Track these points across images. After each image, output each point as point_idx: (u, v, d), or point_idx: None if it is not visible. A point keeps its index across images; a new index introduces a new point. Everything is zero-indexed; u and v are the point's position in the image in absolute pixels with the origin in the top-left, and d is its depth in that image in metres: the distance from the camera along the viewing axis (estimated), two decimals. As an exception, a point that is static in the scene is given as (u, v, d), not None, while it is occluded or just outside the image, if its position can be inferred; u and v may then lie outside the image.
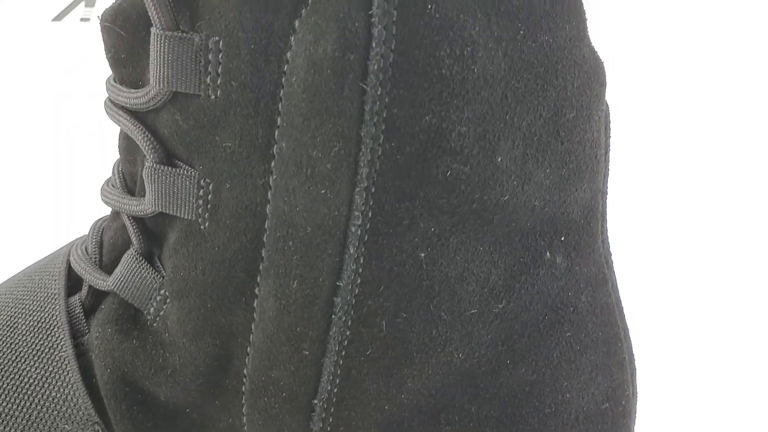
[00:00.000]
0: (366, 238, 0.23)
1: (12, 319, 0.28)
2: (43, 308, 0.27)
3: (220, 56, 0.22)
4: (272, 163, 0.22)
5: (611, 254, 0.29)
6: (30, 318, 0.27)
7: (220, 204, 0.23)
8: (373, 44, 0.21)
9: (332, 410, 0.25)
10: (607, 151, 0.27)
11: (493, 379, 0.26)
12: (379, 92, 0.21)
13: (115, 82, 0.26)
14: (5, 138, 0.62)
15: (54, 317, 0.27)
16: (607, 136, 0.27)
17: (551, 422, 0.26)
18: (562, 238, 0.25)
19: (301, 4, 0.21)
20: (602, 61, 0.25)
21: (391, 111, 0.21)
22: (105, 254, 0.28)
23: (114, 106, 0.26)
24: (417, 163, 0.22)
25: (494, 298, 0.24)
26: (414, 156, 0.22)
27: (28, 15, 0.64)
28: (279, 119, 0.22)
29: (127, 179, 0.27)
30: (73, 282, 0.28)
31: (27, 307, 0.28)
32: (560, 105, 0.23)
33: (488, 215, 0.23)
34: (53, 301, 0.27)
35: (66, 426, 0.26)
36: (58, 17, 0.64)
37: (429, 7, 0.21)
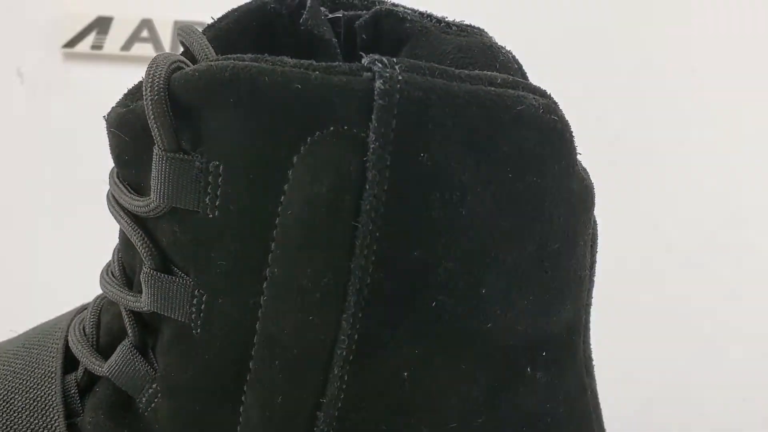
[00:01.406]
0: (351, 358, 0.23)
1: (9, 394, 0.29)
2: (39, 386, 0.28)
3: (219, 180, 0.23)
4: (264, 284, 0.23)
5: (592, 360, 0.30)
6: (26, 395, 0.28)
7: (212, 316, 0.24)
8: (367, 186, 0.21)
9: None
10: (592, 266, 0.28)
11: None
12: (370, 228, 0.22)
13: (118, 178, 0.27)
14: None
15: (50, 396, 0.28)
16: (593, 252, 0.28)
17: None
18: (544, 354, 0.26)
19: (300, 142, 0.22)
20: (591, 184, 0.26)
21: (381, 245, 0.22)
22: (102, 336, 0.29)
23: (116, 204, 0.26)
24: (404, 294, 0.23)
25: (474, 413, 0.25)
26: (401, 287, 0.23)
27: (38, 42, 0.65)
28: (273, 245, 0.23)
29: (127, 269, 0.28)
30: (70, 360, 0.29)
31: (24, 383, 0.29)
32: (545, 238, 0.24)
33: (471, 339, 0.24)
34: (49, 379, 0.28)
35: (55, 507, 0.27)
36: (69, 44, 0.64)
37: (422, 155, 0.21)
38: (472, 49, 0.27)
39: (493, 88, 0.22)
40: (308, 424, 0.24)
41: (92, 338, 0.29)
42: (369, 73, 0.21)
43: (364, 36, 0.29)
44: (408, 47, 0.28)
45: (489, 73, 0.23)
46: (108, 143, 0.27)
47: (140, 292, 0.26)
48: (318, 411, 0.24)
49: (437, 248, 0.22)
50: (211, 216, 0.23)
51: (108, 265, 0.29)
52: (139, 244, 0.25)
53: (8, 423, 0.28)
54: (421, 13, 0.29)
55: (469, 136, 0.22)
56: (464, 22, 0.29)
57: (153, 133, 0.23)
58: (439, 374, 0.24)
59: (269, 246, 0.23)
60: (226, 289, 0.24)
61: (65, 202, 0.61)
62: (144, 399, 0.27)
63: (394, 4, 0.29)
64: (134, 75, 0.26)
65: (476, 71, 0.22)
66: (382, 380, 0.24)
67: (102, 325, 0.29)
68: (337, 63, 0.21)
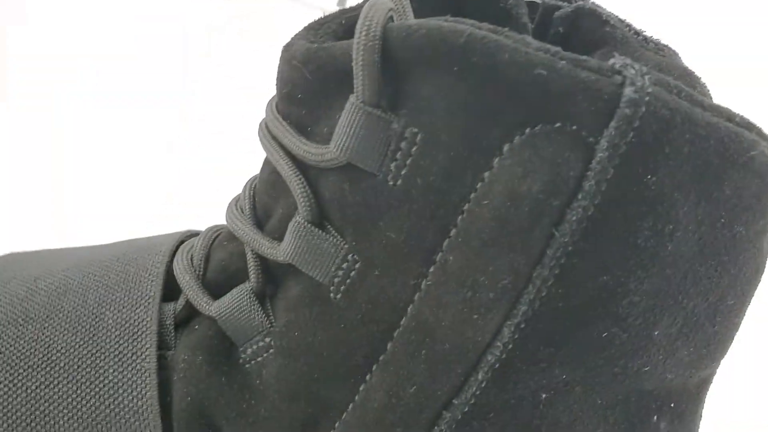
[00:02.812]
0: (497, 366, 0.22)
1: (99, 307, 0.27)
2: (134, 307, 0.27)
3: (413, 149, 0.21)
4: (431, 269, 0.22)
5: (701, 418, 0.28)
6: (118, 314, 0.27)
7: (361, 285, 0.23)
8: (580, 196, 0.20)
9: None
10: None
11: None
12: (566, 240, 0.20)
13: (279, 113, 0.25)
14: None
15: (144, 322, 0.26)
16: None
17: None
18: (672, 405, 0.25)
19: (516, 131, 0.20)
20: None
21: (571, 260, 0.20)
22: (210, 271, 0.27)
23: (273, 140, 0.24)
24: (577, 316, 0.21)
25: None
26: (577, 309, 0.21)
27: None
28: (453, 231, 0.21)
29: (259, 210, 0.26)
30: (169, 287, 0.27)
31: (117, 300, 0.27)
32: (727, 292, 0.23)
33: (623, 378, 0.23)
34: (147, 303, 0.27)
35: (129, 437, 0.25)
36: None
37: (648, 177, 0.20)
38: (672, 72, 0.26)
39: (731, 125, 0.20)
40: (431, 421, 0.23)
41: (199, 271, 0.27)
42: (619, 77, 0.19)
43: (560, 29, 0.27)
44: (602, 52, 0.27)
45: (727, 108, 0.21)
46: (278, 73, 0.25)
47: (276, 238, 0.25)
48: (445, 410, 0.23)
49: (630, 279, 0.21)
50: (391, 184, 0.22)
51: (237, 199, 0.27)
52: (298, 191, 0.23)
53: (96, 339, 0.26)
54: (621, 20, 0.27)
55: (699, 171, 0.20)
56: (660, 40, 0.28)
57: (355, 81, 0.21)
58: (574, 405, 0.23)
59: (448, 231, 0.21)
60: (386, 262, 0.22)
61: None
62: (249, 350, 0.25)
63: (597, 5, 0.27)
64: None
65: (716, 103, 0.21)
66: (518, 397, 0.23)
67: (213, 260, 0.27)
68: (585, 57, 0.20)
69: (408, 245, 0.22)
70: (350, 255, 0.23)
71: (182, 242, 0.30)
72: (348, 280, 0.23)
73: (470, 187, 0.21)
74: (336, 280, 0.23)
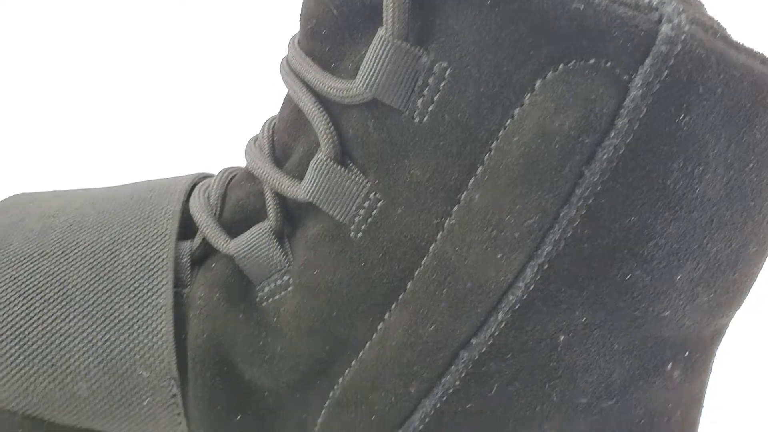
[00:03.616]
0: (517, 307, 0.22)
1: (114, 244, 0.27)
2: (149, 245, 0.26)
3: (442, 84, 0.21)
4: (455, 208, 0.21)
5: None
6: (134, 251, 0.26)
7: (383, 224, 0.22)
8: (612, 134, 0.20)
9: None
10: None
11: None
12: (595, 179, 0.20)
13: (302, 49, 0.24)
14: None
15: (160, 259, 0.26)
16: None
17: None
18: (686, 354, 0.25)
19: (548, 67, 0.20)
20: None
21: (599, 201, 0.20)
22: (227, 211, 0.27)
23: (296, 77, 0.24)
24: (601, 258, 0.21)
25: (607, 395, 0.24)
26: (602, 250, 0.21)
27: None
28: (480, 169, 0.21)
29: (278, 149, 0.26)
30: (184, 226, 0.27)
31: (133, 237, 0.27)
32: (749, 239, 0.22)
33: (642, 322, 0.23)
34: (163, 241, 0.26)
35: (143, 372, 0.25)
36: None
37: (681, 117, 0.19)
38: None
39: (765, 68, 0.20)
40: (449, 361, 0.23)
41: (216, 211, 0.27)
42: (656, 14, 0.19)
43: None
44: None
45: (758, 51, 0.21)
46: (302, 9, 0.24)
47: (296, 177, 0.25)
48: (463, 350, 0.23)
49: (657, 221, 0.21)
50: (417, 120, 0.21)
51: (255, 138, 0.27)
52: (321, 128, 0.23)
53: (111, 275, 0.26)
54: None
55: (731, 113, 0.20)
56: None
57: (384, 14, 0.21)
58: (592, 349, 0.23)
59: (475, 169, 0.21)
60: (410, 201, 0.22)
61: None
62: (267, 288, 0.25)
63: None
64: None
65: (747, 45, 0.21)
66: (537, 339, 0.23)
67: (230, 200, 0.27)
68: None
69: (433, 183, 0.21)
70: (372, 194, 0.22)
71: (195, 184, 0.29)
72: (369, 219, 0.23)
73: (499, 124, 0.20)
74: (357, 219, 0.23)
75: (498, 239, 0.21)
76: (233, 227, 0.26)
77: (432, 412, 0.24)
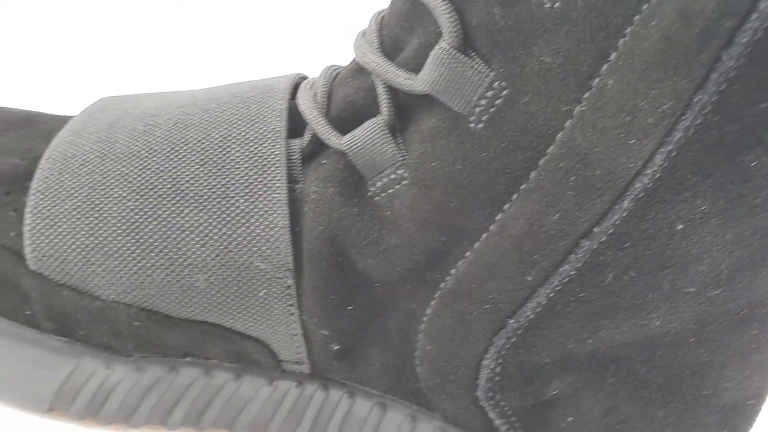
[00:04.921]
0: (642, 195, 0.22)
1: (225, 141, 0.27)
2: (260, 142, 0.27)
3: None
4: (585, 94, 0.22)
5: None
6: (245, 148, 0.27)
7: (507, 113, 0.23)
8: (753, 17, 0.19)
9: (520, 332, 0.25)
10: None
11: (671, 350, 0.26)
12: (731, 64, 0.20)
13: None
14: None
15: (272, 155, 0.26)
16: None
17: (702, 404, 0.27)
18: None
19: None
20: None
21: (732, 86, 0.20)
22: (334, 108, 0.27)
23: None
24: (729, 145, 0.21)
25: (714, 284, 0.25)
26: (730, 137, 0.21)
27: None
28: (614, 55, 0.21)
29: (388, 43, 0.26)
30: (291, 124, 0.28)
31: (243, 135, 0.27)
32: None
33: (759, 210, 0.23)
34: (273, 138, 0.27)
35: (260, 265, 0.26)
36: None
37: None
38: None
39: None
40: (568, 250, 0.23)
41: (323, 107, 0.27)
42: None
43: None
44: None
45: None
46: None
47: (411, 70, 0.25)
48: (584, 239, 0.23)
49: None
50: (548, 6, 0.21)
51: (363, 33, 0.27)
52: (445, 16, 0.23)
53: (224, 172, 0.27)
54: None
55: None
56: None
57: None
58: (706, 238, 0.23)
59: (608, 54, 0.21)
60: (538, 88, 0.22)
61: None
62: (380, 183, 0.26)
63: None
64: None
65: None
66: (657, 227, 0.23)
67: (338, 97, 0.27)
68: None
69: (563, 70, 0.22)
70: (496, 83, 0.23)
71: (296, 83, 0.30)
72: (492, 109, 0.23)
73: (635, 9, 0.20)
74: (478, 109, 0.23)
75: (632, 125, 0.21)
76: (341, 124, 0.27)
77: (545, 302, 0.25)
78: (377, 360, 0.28)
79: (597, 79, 0.21)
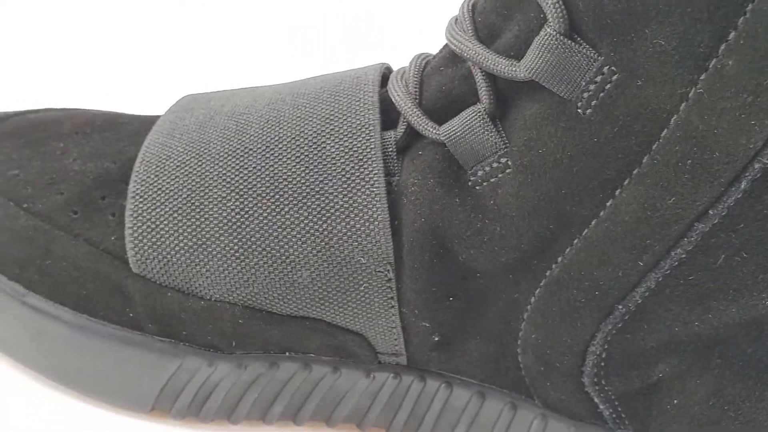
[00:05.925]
0: (759, 175, 0.22)
1: (318, 137, 0.27)
2: (353, 136, 0.27)
3: None
4: (702, 76, 0.21)
5: None
6: (339, 143, 0.27)
7: (619, 98, 0.22)
8: None
9: (627, 317, 0.25)
10: None
11: None
12: None
13: None
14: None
15: (368, 149, 0.26)
16: None
17: None
18: None
19: None
20: None
21: None
22: (428, 98, 0.27)
23: None
24: None
25: None
26: None
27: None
28: (732, 34, 0.20)
29: (483, 30, 0.26)
30: (383, 116, 0.27)
31: (336, 130, 0.27)
32: None
33: None
34: (367, 131, 0.27)
35: (362, 259, 0.26)
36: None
37: None
38: None
39: None
40: (682, 233, 0.23)
41: (415, 97, 0.27)
42: None
43: None
44: None
45: None
46: None
47: (510, 57, 0.24)
48: (698, 222, 0.23)
49: None
50: None
51: (455, 19, 0.27)
52: (550, 2, 0.22)
53: (321, 168, 0.27)
54: None
55: None
56: None
57: None
58: None
59: (726, 34, 0.21)
60: (651, 72, 0.22)
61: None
62: (481, 172, 0.25)
63: None
64: None
65: None
66: None
67: (430, 86, 0.27)
68: None
69: (678, 52, 0.21)
70: (606, 67, 0.22)
71: (383, 74, 0.29)
72: (602, 94, 0.23)
73: None
74: (586, 95, 0.23)
75: (753, 105, 0.21)
76: (435, 113, 0.26)
77: (654, 286, 0.24)
78: (475, 350, 0.28)
79: (714, 60, 0.21)
